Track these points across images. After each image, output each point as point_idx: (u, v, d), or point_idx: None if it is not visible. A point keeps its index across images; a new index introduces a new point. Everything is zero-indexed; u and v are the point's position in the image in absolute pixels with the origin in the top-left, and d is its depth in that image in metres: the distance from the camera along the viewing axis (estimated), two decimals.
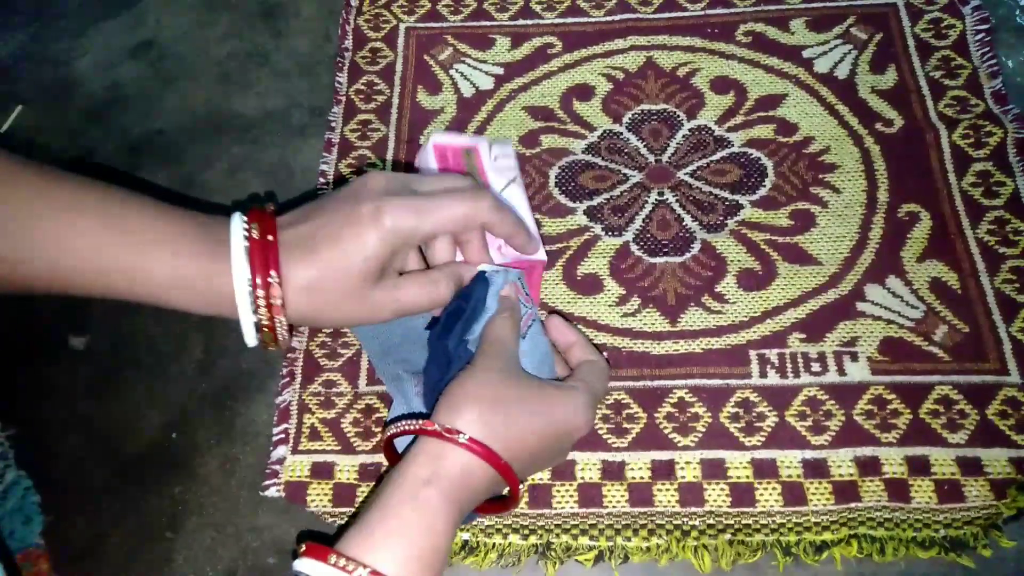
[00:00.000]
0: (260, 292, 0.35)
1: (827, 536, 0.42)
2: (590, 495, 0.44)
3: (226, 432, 0.48)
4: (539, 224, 0.52)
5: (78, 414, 0.49)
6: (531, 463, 0.38)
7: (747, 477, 0.44)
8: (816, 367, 0.47)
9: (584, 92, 0.57)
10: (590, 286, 0.50)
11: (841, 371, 0.46)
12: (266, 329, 0.36)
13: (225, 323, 0.51)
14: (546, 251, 0.43)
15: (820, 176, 0.53)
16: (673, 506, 0.43)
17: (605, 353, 0.48)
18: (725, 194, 0.52)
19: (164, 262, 0.35)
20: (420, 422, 0.36)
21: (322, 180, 0.55)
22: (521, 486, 0.39)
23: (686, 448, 0.45)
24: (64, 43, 0.64)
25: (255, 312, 0.36)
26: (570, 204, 0.53)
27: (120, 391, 0.50)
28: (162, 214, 0.37)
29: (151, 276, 0.36)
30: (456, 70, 0.59)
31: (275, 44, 0.62)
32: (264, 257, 0.35)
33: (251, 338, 0.37)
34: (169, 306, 0.37)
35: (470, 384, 0.37)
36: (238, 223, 0.36)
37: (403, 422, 0.37)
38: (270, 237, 0.36)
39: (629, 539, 0.43)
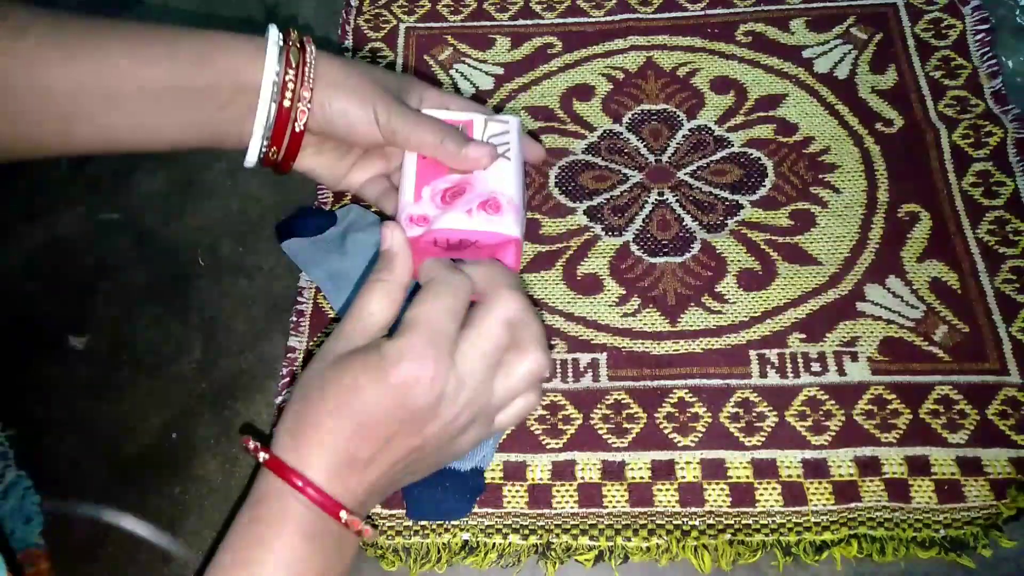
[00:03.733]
0: (293, 49, 0.39)
1: (827, 536, 0.42)
2: (590, 495, 0.44)
3: (226, 432, 0.48)
4: (539, 223, 0.52)
5: (78, 414, 0.49)
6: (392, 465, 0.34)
7: (747, 477, 0.44)
8: (816, 367, 0.47)
9: (584, 92, 0.57)
10: (590, 286, 0.50)
11: (841, 371, 0.46)
12: (290, 81, 0.38)
13: (225, 323, 0.51)
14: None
15: (820, 176, 0.53)
16: (673, 506, 0.43)
17: (605, 353, 0.48)
18: (725, 194, 0.52)
19: (201, 41, 0.38)
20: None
21: None
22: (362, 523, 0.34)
23: (686, 448, 0.45)
24: None
25: (282, 55, 0.39)
26: (570, 204, 0.53)
27: (120, 391, 0.50)
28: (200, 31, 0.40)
29: (193, 53, 0.38)
30: (456, 70, 0.59)
31: None
32: (299, 40, 0.40)
33: (268, 86, 0.38)
34: (218, 92, 0.38)
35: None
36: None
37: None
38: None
39: (629, 539, 0.43)
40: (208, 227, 0.55)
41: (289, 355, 0.49)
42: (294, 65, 0.38)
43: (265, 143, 0.40)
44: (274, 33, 0.39)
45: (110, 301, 0.53)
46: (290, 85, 0.38)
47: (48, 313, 0.53)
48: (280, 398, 0.48)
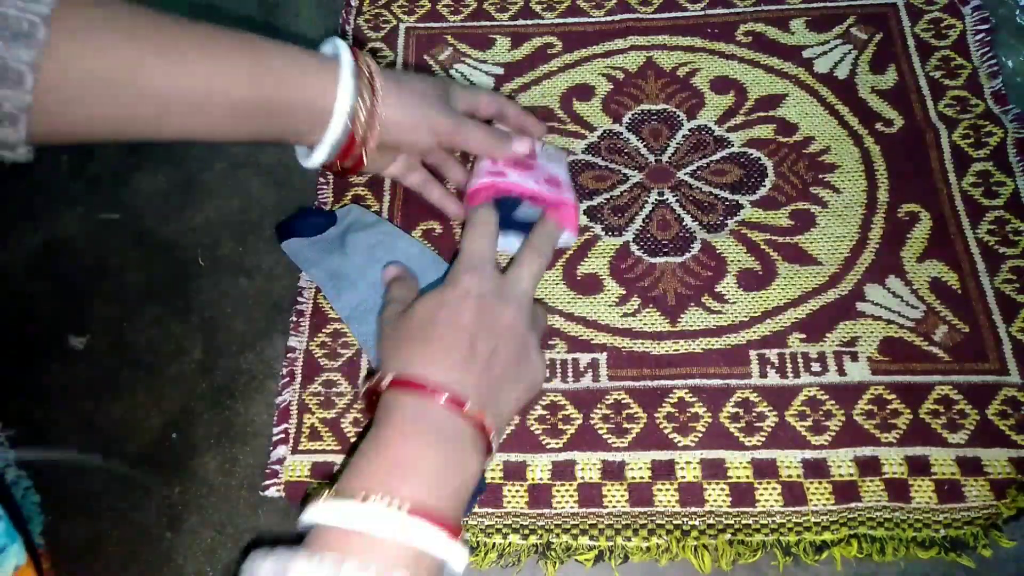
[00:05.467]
0: (365, 68, 0.43)
1: (827, 536, 0.42)
2: (590, 495, 0.44)
3: (226, 432, 0.48)
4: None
5: (78, 414, 0.49)
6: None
7: (747, 477, 0.44)
8: (816, 367, 0.47)
9: (584, 92, 0.57)
10: (590, 286, 0.50)
11: (841, 371, 0.46)
12: (362, 110, 0.43)
13: (225, 323, 0.51)
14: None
15: (820, 176, 0.53)
16: (673, 506, 0.43)
17: (605, 353, 0.48)
18: (725, 194, 0.52)
19: (272, 59, 0.42)
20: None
21: (322, 180, 0.55)
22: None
23: (686, 448, 0.45)
24: None
25: (354, 73, 0.42)
26: None
27: (120, 391, 0.50)
28: (250, 34, 0.43)
29: (263, 76, 0.41)
30: (456, 70, 0.59)
31: None
32: (368, 69, 0.44)
33: (342, 113, 0.42)
34: (276, 110, 0.42)
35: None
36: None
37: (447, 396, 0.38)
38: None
39: (629, 539, 0.43)
40: (208, 227, 0.55)
41: (289, 355, 0.49)
42: (366, 99, 0.43)
43: (329, 159, 0.45)
44: (347, 63, 0.43)
45: (110, 301, 0.53)
46: (361, 117, 0.43)
47: (48, 313, 0.52)
48: (280, 398, 0.48)
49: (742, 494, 0.43)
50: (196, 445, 0.48)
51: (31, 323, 0.52)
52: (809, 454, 0.44)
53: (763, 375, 0.47)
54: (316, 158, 0.44)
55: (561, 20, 0.60)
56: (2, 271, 0.54)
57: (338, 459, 0.46)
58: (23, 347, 0.51)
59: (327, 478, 0.45)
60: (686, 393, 0.46)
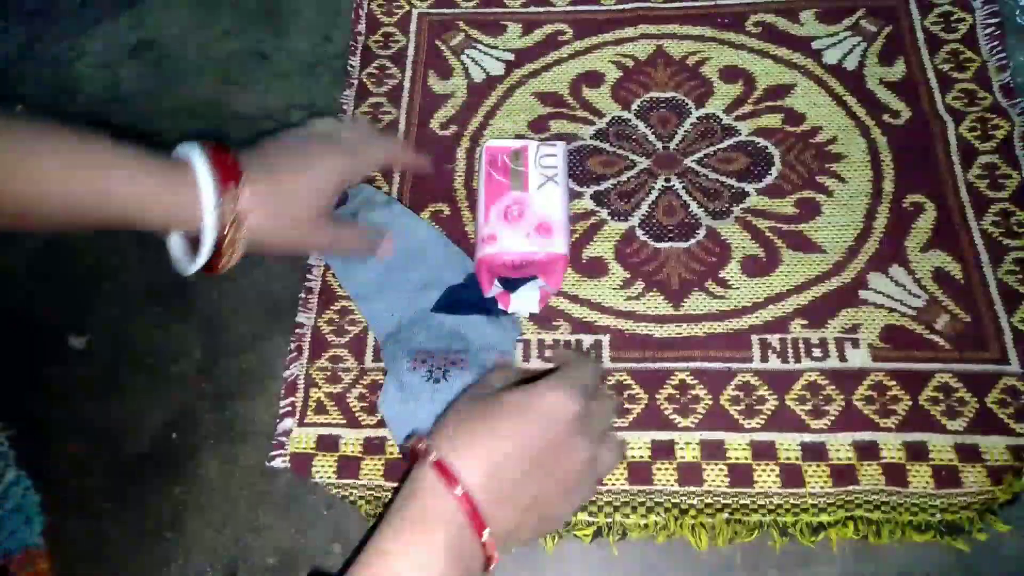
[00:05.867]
0: (226, 189, 0.40)
1: (824, 518, 0.43)
2: None
3: (226, 432, 0.48)
4: None
5: (78, 414, 0.49)
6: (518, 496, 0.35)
7: (746, 458, 0.44)
8: (817, 352, 0.47)
9: (594, 79, 0.58)
10: (595, 269, 0.51)
11: (842, 357, 0.47)
12: (225, 235, 0.40)
13: (225, 323, 0.51)
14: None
15: (826, 165, 0.53)
16: (672, 485, 0.44)
17: (608, 335, 0.48)
18: (731, 182, 0.53)
19: (130, 178, 0.39)
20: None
21: None
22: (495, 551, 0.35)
23: (686, 429, 0.45)
24: (64, 43, 0.64)
25: (217, 207, 0.39)
26: (577, 188, 0.53)
27: (120, 391, 0.50)
28: (119, 145, 0.40)
29: (118, 192, 0.39)
30: (467, 55, 0.60)
31: (275, 44, 0.62)
32: (226, 165, 0.40)
33: (208, 242, 0.40)
34: (133, 222, 0.40)
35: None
36: (194, 146, 0.40)
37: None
38: (228, 158, 0.41)
39: (627, 516, 0.43)
40: None
41: (297, 331, 0.50)
42: (230, 222, 0.40)
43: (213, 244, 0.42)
44: (209, 196, 0.39)
45: (110, 301, 0.53)
46: (224, 245, 0.41)
47: (48, 313, 0.53)
48: (287, 372, 0.49)
49: (740, 475, 0.44)
50: (196, 445, 0.48)
51: (31, 323, 0.52)
52: (808, 437, 0.45)
53: (764, 359, 0.47)
54: (192, 270, 0.43)
55: (572, 8, 0.61)
56: (2, 271, 0.54)
57: (343, 432, 0.46)
58: (23, 347, 0.51)
59: (332, 450, 0.46)
60: (687, 375, 0.47)
